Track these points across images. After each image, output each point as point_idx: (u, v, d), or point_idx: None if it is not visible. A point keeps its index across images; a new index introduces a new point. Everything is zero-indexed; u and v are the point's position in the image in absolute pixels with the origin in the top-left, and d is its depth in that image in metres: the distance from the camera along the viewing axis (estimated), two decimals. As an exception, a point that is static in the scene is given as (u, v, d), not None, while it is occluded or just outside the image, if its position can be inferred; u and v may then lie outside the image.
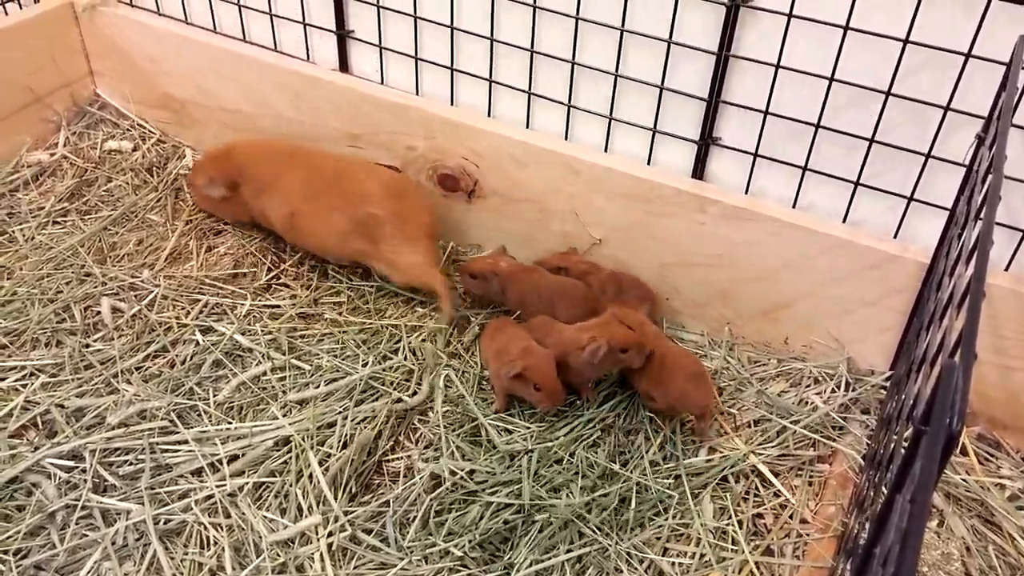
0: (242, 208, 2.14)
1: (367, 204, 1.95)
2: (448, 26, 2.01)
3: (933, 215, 1.70)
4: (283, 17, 2.24)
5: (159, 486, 1.58)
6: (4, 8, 2.45)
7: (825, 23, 1.59)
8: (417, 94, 2.17)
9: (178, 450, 1.65)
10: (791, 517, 1.61)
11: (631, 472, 1.66)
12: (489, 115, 2.09)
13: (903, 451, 0.83)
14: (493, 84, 2.04)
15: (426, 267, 1.94)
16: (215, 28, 2.35)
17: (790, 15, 1.60)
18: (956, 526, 1.58)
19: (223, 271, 2.08)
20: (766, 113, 1.74)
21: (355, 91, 2.12)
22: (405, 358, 1.87)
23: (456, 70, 2.07)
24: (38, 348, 1.84)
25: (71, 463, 1.60)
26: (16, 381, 1.76)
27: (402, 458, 1.71)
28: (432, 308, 2.01)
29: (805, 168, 1.77)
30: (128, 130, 2.49)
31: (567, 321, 1.84)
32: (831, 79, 1.63)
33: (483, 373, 1.86)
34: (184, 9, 2.38)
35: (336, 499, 1.58)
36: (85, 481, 1.56)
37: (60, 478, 1.57)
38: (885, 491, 1.07)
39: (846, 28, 1.56)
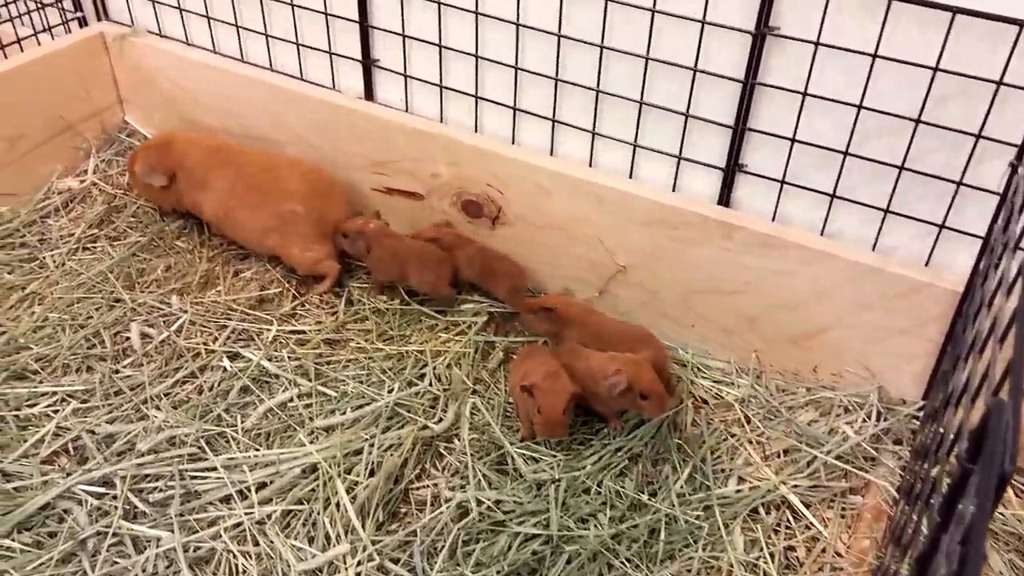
0: (177, 198, 2.24)
1: (290, 201, 2.10)
2: (473, 55, 2.02)
3: (965, 243, 1.69)
4: (310, 47, 2.27)
5: (188, 513, 1.59)
6: (37, 38, 2.50)
7: (853, 51, 1.58)
8: (441, 121, 2.18)
9: (207, 477, 1.65)
10: (824, 551, 1.59)
11: (660, 503, 1.65)
12: (513, 142, 2.10)
13: (945, 488, 0.81)
14: (517, 112, 2.05)
15: (325, 259, 2.12)
16: (242, 57, 2.38)
17: (817, 43, 1.60)
18: (994, 561, 1.55)
19: (249, 296, 2.10)
20: (793, 140, 1.74)
21: (380, 119, 2.14)
22: (430, 384, 1.87)
23: (480, 98, 2.08)
24: (69, 374, 1.85)
25: (102, 489, 1.61)
26: (48, 407, 1.77)
27: (428, 486, 1.71)
28: (456, 333, 2.01)
29: (833, 195, 1.76)
30: (156, 157, 2.52)
31: (419, 283, 2.04)
32: (859, 106, 1.63)
33: (508, 400, 1.85)
34: (212, 39, 2.42)
35: (364, 528, 1.57)
36: (116, 508, 1.56)
37: (91, 504, 1.58)
38: (924, 527, 1.05)
39: (874, 56, 1.56)
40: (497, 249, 2.10)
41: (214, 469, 1.66)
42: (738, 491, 1.70)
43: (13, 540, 1.53)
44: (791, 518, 1.66)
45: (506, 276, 2.05)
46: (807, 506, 1.67)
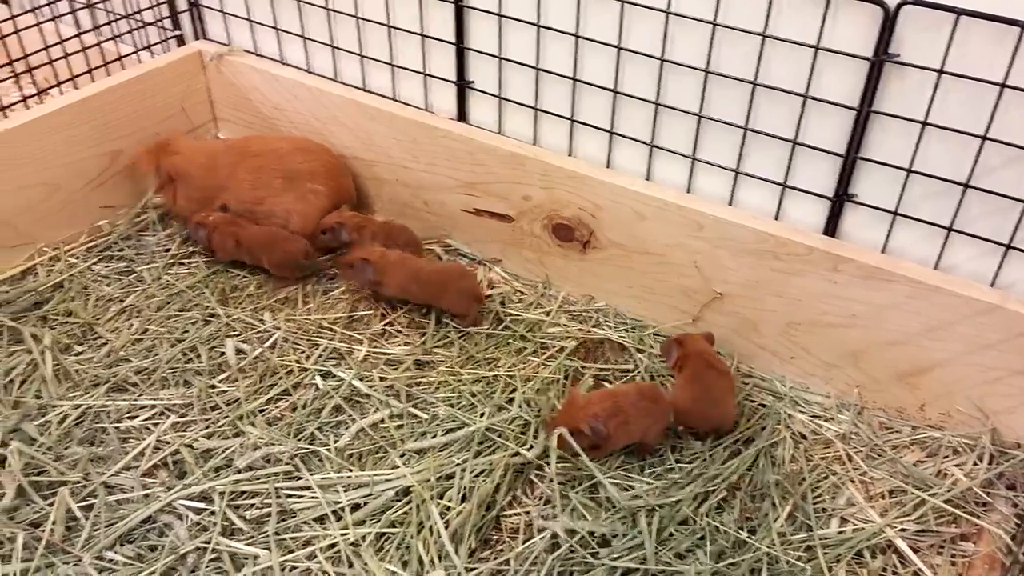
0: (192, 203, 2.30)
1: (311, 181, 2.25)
2: (570, 78, 2.01)
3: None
4: (404, 67, 2.28)
5: (284, 532, 1.58)
6: (138, 56, 2.57)
7: (978, 80, 1.53)
8: (534, 144, 2.17)
9: (301, 496, 1.65)
10: (936, 599, 1.52)
11: (760, 542, 1.59)
12: (608, 166, 2.08)
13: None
14: (613, 135, 2.03)
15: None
16: (336, 77, 2.41)
17: (941, 71, 1.55)
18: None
19: (338, 316, 2.10)
20: (909, 171, 1.68)
21: (472, 140, 2.14)
22: (520, 408, 1.85)
23: (576, 121, 2.07)
24: (167, 387, 1.88)
25: (201, 505, 1.62)
26: (147, 420, 1.80)
27: (520, 514, 1.68)
28: (546, 358, 1.98)
29: (951, 228, 1.70)
30: (248, 174, 2.55)
31: (271, 266, 2.16)
32: (984, 137, 1.57)
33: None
34: (307, 58, 2.45)
35: (457, 554, 1.55)
36: (215, 524, 1.57)
37: (191, 519, 1.59)
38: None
39: (1003, 86, 1.50)
40: (396, 222, 2.28)
41: (308, 488, 1.66)
42: (841, 532, 1.64)
43: (116, 552, 1.54)
44: (898, 563, 1.60)
45: (407, 245, 2.19)
46: (915, 551, 1.60)
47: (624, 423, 1.70)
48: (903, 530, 1.63)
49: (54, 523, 1.57)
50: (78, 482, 1.66)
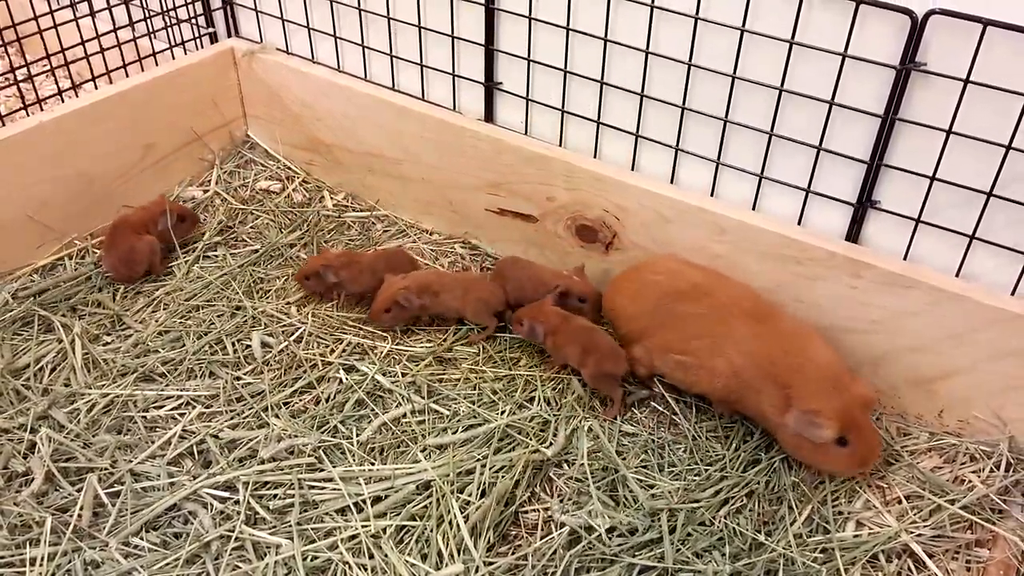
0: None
1: None
2: (597, 81, 2.03)
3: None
4: (433, 68, 2.31)
5: (306, 522, 1.61)
6: (172, 52, 2.61)
7: (1004, 90, 1.53)
8: (561, 145, 2.19)
9: (324, 487, 1.68)
10: (951, 604, 1.53)
11: (776, 544, 1.61)
12: (633, 169, 2.09)
13: None
14: (639, 138, 2.04)
15: None
16: (366, 76, 2.44)
17: (967, 80, 1.56)
18: None
19: (362, 313, 2.13)
20: (933, 178, 1.69)
21: (500, 141, 2.16)
22: (540, 407, 1.87)
23: (602, 123, 2.09)
24: (193, 378, 1.91)
25: (225, 494, 1.65)
26: (173, 410, 1.83)
27: (538, 510, 1.70)
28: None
29: (973, 236, 1.70)
30: (276, 171, 2.59)
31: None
32: (1008, 147, 1.57)
33: (623, 427, 1.84)
34: (337, 57, 2.48)
35: (476, 548, 1.57)
36: (238, 513, 1.60)
37: (215, 508, 1.62)
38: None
39: (1029, 96, 1.51)
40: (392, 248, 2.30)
41: (331, 480, 1.69)
42: (856, 536, 1.64)
43: (141, 539, 1.58)
44: (912, 567, 1.60)
45: (400, 268, 2.16)
46: (930, 556, 1.61)
47: (436, 295, 2.03)
48: (919, 535, 1.63)
49: (82, 508, 1.61)
50: (106, 469, 1.70)
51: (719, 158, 1.94)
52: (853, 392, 1.64)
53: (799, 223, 1.91)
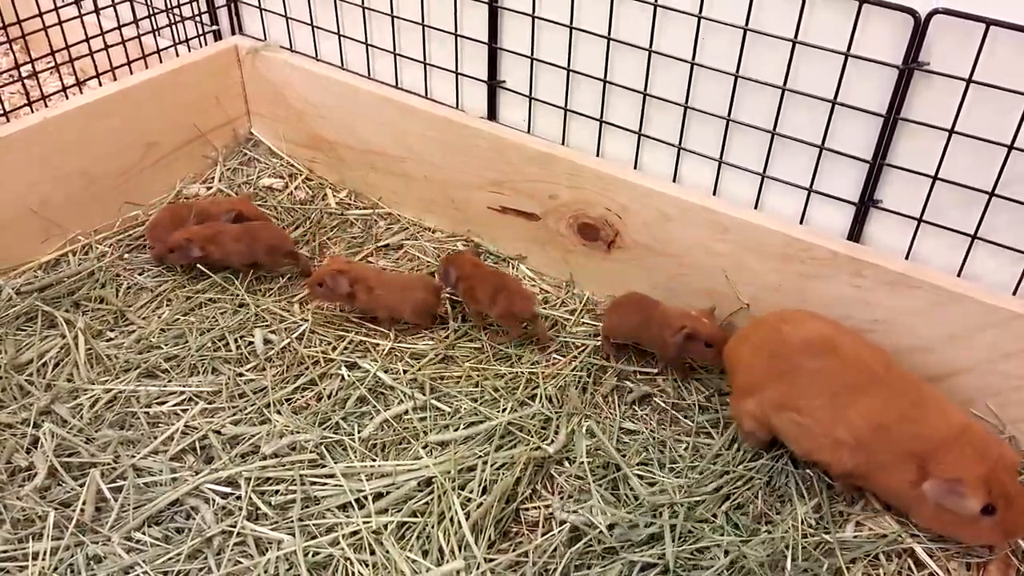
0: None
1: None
2: (600, 79, 2.03)
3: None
4: (436, 66, 2.31)
5: (308, 518, 1.62)
6: (176, 50, 2.62)
7: (1007, 89, 1.53)
8: (563, 144, 2.19)
9: (325, 483, 1.68)
10: (951, 601, 1.53)
11: (778, 540, 1.61)
12: (636, 167, 2.10)
13: None
14: (641, 137, 2.04)
15: None
16: (369, 74, 2.45)
17: (969, 80, 1.56)
18: None
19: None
20: (935, 178, 1.69)
21: (502, 139, 2.16)
22: (542, 405, 1.87)
23: (605, 122, 2.09)
24: (196, 374, 1.92)
25: (227, 489, 1.65)
26: (176, 406, 1.84)
27: (539, 507, 1.70)
28: (570, 357, 2.01)
29: (975, 236, 1.70)
30: (279, 168, 2.60)
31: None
32: (1010, 147, 1.57)
33: (623, 424, 1.84)
34: (341, 55, 2.49)
35: (477, 545, 1.58)
36: (240, 508, 1.61)
37: (217, 504, 1.62)
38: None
39: (1032, 96, 1.51)
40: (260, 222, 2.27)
41: (332, 476, 1.69)
42: (856, 536, 1.65)
43: (144, 534, 1.58)
44: (913, 567, 1.60)
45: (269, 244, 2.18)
46: (930, 555, 1.61)
47: (370, 290, 2.03)
48: (917, 535, 1.63)
49: (84, 503, 1.61)
50: (108, 464, 1.71)
51: (721, 157, 1.95)
52: (996, 455, 1.51)
53: (801, 222, 1.91)
